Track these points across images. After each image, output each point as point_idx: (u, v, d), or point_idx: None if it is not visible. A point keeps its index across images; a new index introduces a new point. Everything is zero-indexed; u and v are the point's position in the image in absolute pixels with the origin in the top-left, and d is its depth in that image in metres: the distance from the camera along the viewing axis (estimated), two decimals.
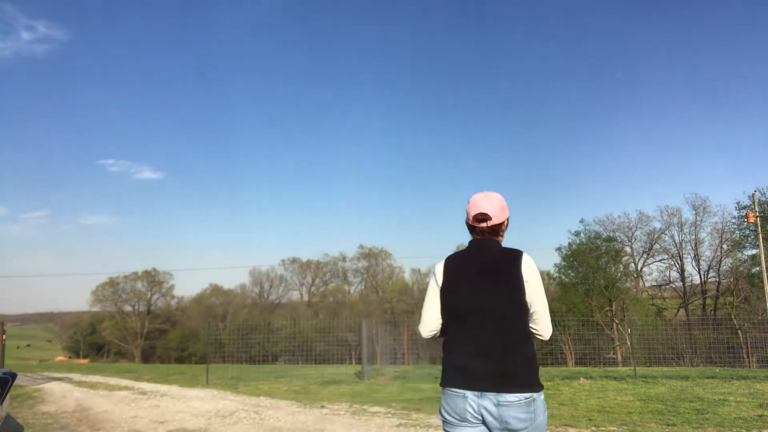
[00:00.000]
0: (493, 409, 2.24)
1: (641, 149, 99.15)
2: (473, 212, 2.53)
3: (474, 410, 2.28)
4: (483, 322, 2.34)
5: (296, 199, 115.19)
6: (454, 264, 2.52)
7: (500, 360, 2.28)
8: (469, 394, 2.29)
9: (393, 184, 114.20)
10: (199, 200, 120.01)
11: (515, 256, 2.41)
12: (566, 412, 8.20)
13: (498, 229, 2.56)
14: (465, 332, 2.38)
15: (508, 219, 2.63)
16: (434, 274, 2.57)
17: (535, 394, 2.25)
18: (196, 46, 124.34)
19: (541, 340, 2.49)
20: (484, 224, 2.52)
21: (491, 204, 2.53)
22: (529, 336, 2.39)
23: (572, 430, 6.78)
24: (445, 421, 2.39)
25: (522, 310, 2.35)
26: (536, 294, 2.36)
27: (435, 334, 2.53)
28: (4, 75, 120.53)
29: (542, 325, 2.41)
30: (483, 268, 2.42)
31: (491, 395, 2.24)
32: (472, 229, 2.60)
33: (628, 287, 40.12)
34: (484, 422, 2.28)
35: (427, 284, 2.67)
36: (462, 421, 2.31)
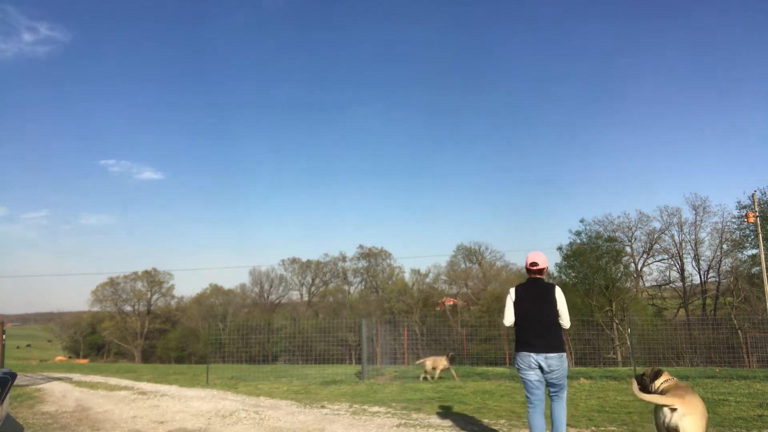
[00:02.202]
0: (544, 360, 4.89)
1: (641, 149, 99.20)
2: (530, 261, 5.15)
3: (534, 362, 4.91)
4: (539, 321, 4.97)
5: (296, 199, 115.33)
6: (521, 290, 5.16)
7: (547, 338, 4.91)
8: (532, 354, 4.92)
9: (393, 184, 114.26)
10: (200, 200, 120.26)
11: (553, 288, 5.05)
12: (566, 413, 8.19)
13: (543, 272, 5.18)
14: (529, 325, 5.00)
15: (547, 267, 5.23)
16: (510, 293, 5.20)
17: (563, 354, 4.92)
18: (196, 47, 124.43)
19: (565, 328, 5.08)
20: (536, 268, 5.15)
21: (540, 258, 5.17)
22: (560, 327, 5.03)
23: (572, 430, 6.77)
24: (519, 369, 5.04)
25: (556, 314, 5.01)
26: (562, 306, 5.03)
27: (512, 325, 5.12)
28: (6, 76, 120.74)
29: (565, 320, 5.04)
30: (537, 293, 5.06)
31: (543, 354, 4.89)
32: (528, 270, 5.20)
33: (628, 287, 40.08)
34: (539, 368, 4.92)
35: (504, 298, 5.32)
36: (529, 368, 4.95)
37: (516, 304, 5.10)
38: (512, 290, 5.20)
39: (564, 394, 5.05)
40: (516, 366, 5.12)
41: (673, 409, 3.87)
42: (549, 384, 5.02)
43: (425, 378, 13.77)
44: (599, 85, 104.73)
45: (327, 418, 8.00)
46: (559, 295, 5.00)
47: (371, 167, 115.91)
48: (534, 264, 5.12)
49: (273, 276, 74.66)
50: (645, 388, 4.47)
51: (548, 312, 4.97)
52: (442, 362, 13.99)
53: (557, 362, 4.88)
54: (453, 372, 13.99)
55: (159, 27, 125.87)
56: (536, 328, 4.95)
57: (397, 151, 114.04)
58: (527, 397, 5.10)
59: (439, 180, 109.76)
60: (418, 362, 14.79)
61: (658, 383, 4.39)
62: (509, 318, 5.13)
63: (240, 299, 73.27)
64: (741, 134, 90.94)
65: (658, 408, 4.05)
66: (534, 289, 5.09)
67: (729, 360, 21.50)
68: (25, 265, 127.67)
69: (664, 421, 3.94)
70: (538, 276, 5.16)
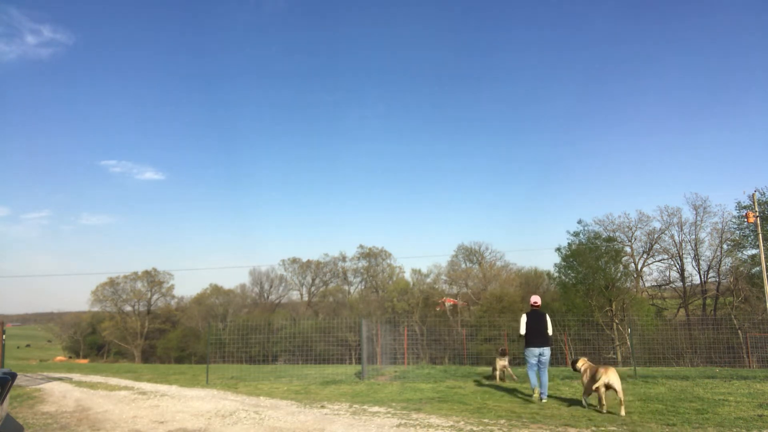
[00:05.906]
0: (540, 350, 9.78)
1: (641, 149, 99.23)
2: (533, 301, 10.26)
3: (537, 352, 9.76)
4: (538, 331, 9.90)
5: (296, 199, 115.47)
6: (529, 315, 9.99)
7: (542, 340, 9.85)
8: (536, 348, 9.79)
9: (393, 184, 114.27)
10: (200, 201, 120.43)
11: (545, 314, 10.07)
12: (566, 412, 8.19)
13: (539, 306, 10.22)
14: (533, 333, 9.89)
15: (541, 303, 10.35)
16: (523, 317, 10.00)
17: (550, 347, 10.00)
18: (198, 49, 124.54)
19: (550, 335, 10.06)
20: (536, 305, 10.18)
21: (538, 299, 10.35)
22: (548, 334, 10.00)
23: (572, 430, 6.77)
24: (527, 356, 9.84)
25: (547, 327, 9.98)
26: (549, 324, 10.03)
27: (524, 334, 9.89)
28: (10, 78, 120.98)
29: (550, 331, 10.03)
30: (537, 318, 9.98)
31: (540, 348, 9.79)
32: (532, 306, 10.20)
33: (628, 287, 40.03)
34: (539, 356, 9.76)
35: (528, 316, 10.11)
36: (533, 356, 9.77)
37: (527, 322, 9.78)
38: (524, 315, 9.89)
39: (546, 368, 9.62)
40: (525, 354, 9.80)
41: (605, 373, 8.00)
42: (540, 363, 9.58)
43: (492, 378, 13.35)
44: (599, 85, 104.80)
45: (327, 418, 8.00)
46: (548, 318, 9.89)
47: (371, 167, 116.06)
48: (535, 302, 10.08)
49: (273, 276, 74.75)
50: (574, 367, 9.12)
51: (543, 327, 9.78)
52: (501, 362, 13.33)
53: (547, 351, 9.71)
54: (510, 371, 13.48)
55: (160, 29, 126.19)
56: (536, 335, 9.72)
57: (397, 152, 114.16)
58: (529, 367, 9.69)
59: (439, 180, 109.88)
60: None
61: (579, 364, 9.01)
62: (523, 329, 9.76)
63: (240, 299, 73.25)
64: (741, 134, 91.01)
65: (597, 374, 8.10)
66: (535, 315, 9.86)
67: (729, 360, 21.50)
68: (25, 265, 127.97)
69: (602, 380, 7.91)
70: (537, 308, 10.00)
